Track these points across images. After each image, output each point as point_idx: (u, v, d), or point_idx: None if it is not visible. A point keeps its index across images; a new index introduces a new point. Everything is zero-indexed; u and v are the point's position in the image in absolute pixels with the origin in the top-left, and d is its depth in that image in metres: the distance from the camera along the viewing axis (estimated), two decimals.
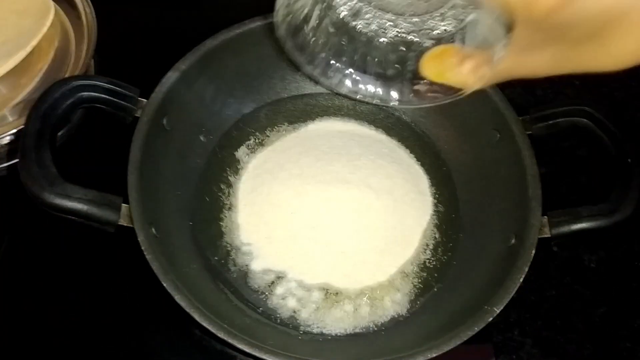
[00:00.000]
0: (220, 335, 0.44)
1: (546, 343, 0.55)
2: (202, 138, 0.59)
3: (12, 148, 0.59)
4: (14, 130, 0.57)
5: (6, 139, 0.58)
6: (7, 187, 0.59)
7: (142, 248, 0.46)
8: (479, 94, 0.57)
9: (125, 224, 0.47)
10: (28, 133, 0.46)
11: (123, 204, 0.47)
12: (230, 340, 0.44)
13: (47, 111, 0.48)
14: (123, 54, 0.68)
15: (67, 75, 0.62)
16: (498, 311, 0.47)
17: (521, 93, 0.63)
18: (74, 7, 0.65)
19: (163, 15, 0.74)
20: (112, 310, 0.55)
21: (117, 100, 0.51)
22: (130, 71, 0.56)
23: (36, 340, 0.53)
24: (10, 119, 0.60)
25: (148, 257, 0.45)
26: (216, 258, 0.54)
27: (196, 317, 0.44)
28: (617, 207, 0.50)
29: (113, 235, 0.48)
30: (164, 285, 0.45)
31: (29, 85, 0.62)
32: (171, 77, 0.54)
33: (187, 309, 0.44)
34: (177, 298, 0.44)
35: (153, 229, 0.48)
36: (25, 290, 0.55)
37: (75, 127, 0.57)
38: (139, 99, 0.53)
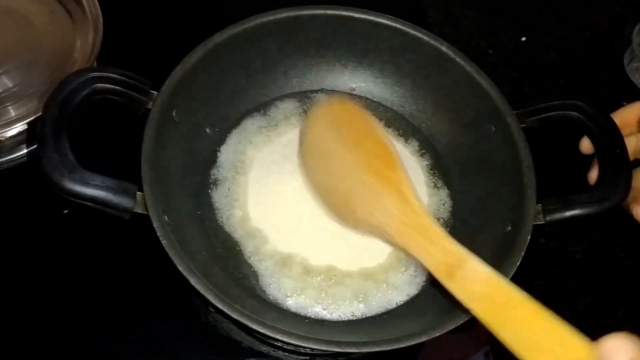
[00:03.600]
0: (235, 316, 0.45)
1: None
2: (208, 130, 0.60)
3: (19, 140, 0.60)
4: (21, 124, 0.58)
5: (12, 132, 0.58)
6: (14, 179, 0.60)
7: (158, 234, 0.46)
8: (475, 89, 0.60)
9: (140, 211, 0.48)
10: (46, 123, 0.47)
11: (138, 192, 0.48)
12: (245, 322, 0.45)
13: (63, 101, 0.48)
14: (126, 49, 0.69)
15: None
16: None
17: (509, 90, 0.65)
18: (78, 2, 0.66)
19: (168, 11, 0.75)
20: (122, 296, 0.56)
21: (130, 92, 0.52)
22: (134, 66, 0.56)
23: (43, 322, 0.54)
24: (15, 113, 0.61)
25: (163, 242, 0.46)
26: (224, 245, 0.56)
27: (211, 299, 0.45)
28: (608, 195, 0.52)
29: (125, 222, 0.49)
30: (180, 269, 0.45)
31: (35, 80, 0.63)
32: (180, 70, 0.55)
33: (203, 292, 0.45)
34: (193, 282, 0.45)
35: (166, 217, 0.49)
36: (41, 274, 0.56)
37: (86, 117, 0.58)
38: (151, 91, 0.53)
